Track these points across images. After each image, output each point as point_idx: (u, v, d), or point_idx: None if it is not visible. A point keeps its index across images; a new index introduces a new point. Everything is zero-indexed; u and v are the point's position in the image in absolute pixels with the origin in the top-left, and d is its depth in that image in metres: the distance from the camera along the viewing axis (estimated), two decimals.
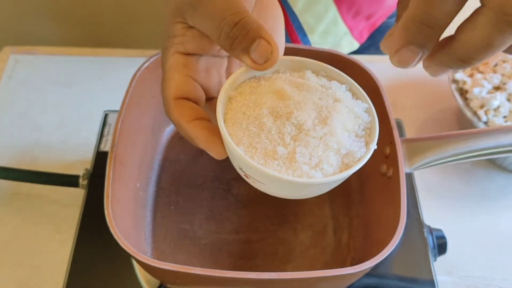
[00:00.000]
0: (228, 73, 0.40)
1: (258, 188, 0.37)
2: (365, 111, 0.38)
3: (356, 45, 0.80)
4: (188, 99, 0.37)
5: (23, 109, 0.73)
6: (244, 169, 0.35)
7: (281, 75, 0.37)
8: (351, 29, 0.76)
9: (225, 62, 0.40)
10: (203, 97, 0.39)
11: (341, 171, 0.34)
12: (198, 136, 0.36)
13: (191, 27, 0.36)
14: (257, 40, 0.34)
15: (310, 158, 0.34)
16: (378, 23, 0.81)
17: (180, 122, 0.36)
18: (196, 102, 0.38)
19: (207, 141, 0.36)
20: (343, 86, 0.38)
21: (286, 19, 0.73)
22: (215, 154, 0.36)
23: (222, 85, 0.37)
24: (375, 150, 0.36)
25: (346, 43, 0.79)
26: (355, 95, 0.38)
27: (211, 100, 0.40)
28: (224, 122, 0.35)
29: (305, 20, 0.73)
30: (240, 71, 0.36)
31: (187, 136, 0.37)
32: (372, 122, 0.38)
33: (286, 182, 0.33)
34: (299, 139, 0.34)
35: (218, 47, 0.38)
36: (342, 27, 0.75)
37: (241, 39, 0.34)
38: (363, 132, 0.37)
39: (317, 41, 0.77)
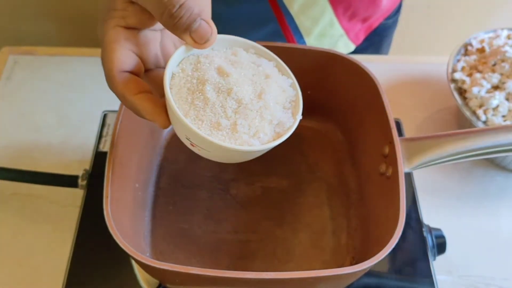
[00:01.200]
0: (162, 46, 0.43)
1: (203, 155, 0.41)
2: (290, 86, 0.43)
3: (352, 47, 0.80)
4: (130, 72, 0.39)
5: (22, 110, 0.73)
6: (191, 139, 0.39)
7: (217, 52, 0.41)
8: (347, 31, 0.76)
9: (159, 35, 0.42)
10: (143, 69, 0.41)
11: (274, 139, 0.40)
12: (145, 108, 0.39)
13: (132, 2, 0.38)
14: (199, 22, 0.37)
15: (249, 129, 0.39)
16: (375, 25, 0.81)
17: (125, 95, 0.38)
18: (137, 75, 0.40)
19: (153, 113, 0.39)
20: (271, 63, 0.43)
21: (282, 21, 0.73)
22: (160, 124, 0.39)
23: (158, 58, 0.41)
24: (300, 120, 0.42)
25: (342, 45, 0.79)
26: (280, 71, 0.44)
27: (148, 72, 0.42)
28: None
29: (301, 22, 0.73)
30: (181, 49, 0.39)
31: (132, 109, 0.39)
32: (296, 95, 0.43)
33: (230, 150, 0.38)
34: (239, 112, 0.39)
35: (156, 22, 0.40)
36: (338, 29, 0.76)
37: (185, 19, 0.37)
38: (290, 105, 0.43)
39: (313, 44, 0.77)
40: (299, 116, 0.42)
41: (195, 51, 0.40)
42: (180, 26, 0.37)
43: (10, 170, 0.62)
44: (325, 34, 0.76)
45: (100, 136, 0.66)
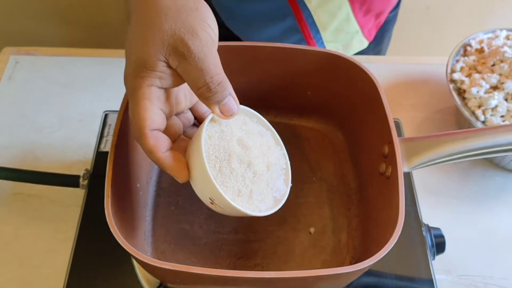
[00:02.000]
0: (175, 97, 0.46)
1: (216, 210, 0.46)
2: (283, 155, 0.50)
3: (365, 43, 0.81)
4: (158, 130, 0.42)
5: (23, 110, 0.73)
6: (216, 200, 0.44)
7: (233, 121, 0.46)
8: (362, 27, 0.77)
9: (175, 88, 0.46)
10: (165, 124, 0.44)
11: (274, 205, 0.47)
12: (170, 166, 0.43)
13: (171, 67, 0.41)
14: (228, 97, 0.43)
15: (260, 195, 0.46)
16: (383, 21, 0.81)
17: (155, 153, 0.42)
18: (162, 131, 0.43)
19: (177, 170, 0.43)
20: (268, 132, 0.50)
21: (299, 15, 0.74)
22: (181, 179, 0.44)
23: (173, 106, 0.46)
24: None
25: (356, 42, 0.80)
26: (275, 141, 0.50)
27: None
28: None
29: (318, 17, 0.74)
30: (209, 119, 0.44)
31: (157, 164, 0.43)
32: (286, 163, 0.50)
33: (244, 213, 0.44)
34: (254, 182, 0.45)
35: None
36: (354, 25, 0.76)
37: (219, 95, 0.42)
38: (282, 172, 0.49)
39: (329, 38, 0.77)
40: (290, 184, 0.49)
41: (216, 118, 0.45)
42: (213, 100, 0.42)
43: (11, 170, 0.62)
44: (341, 29, 0.76)
45: (101, 136, 0.66)
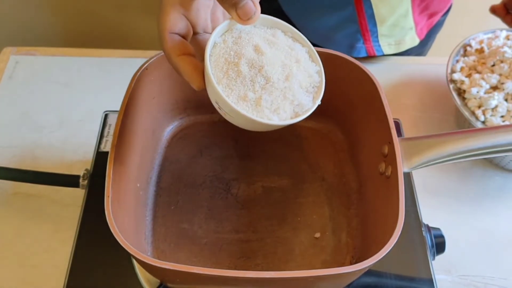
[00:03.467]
0: (212, 13, 0.47)
1: (227, 119, 0.45)
2: (317, 73, 0.47)
3: (417, 41, 0.81)
4: (179, 34, 0.43)
5: (23, 110, 0.73)
6: (220, 103, 0.43)
7: (258, 30, 0.45)
8: (416, 24, 0.78)
9: (211, 3, 0.46)
10: (191, 33, 0.45)
11: (291, 118, 0.44)
12: (185, 69, 0.43)
13: None
14: (245, 0, 0.41)
15: (271, 104, 0.43)
16: (435, 22, 0.82)
17: (171, 54, 0.43)
18: (185, 37, 0.44)
19: (191, 74, 0.43)
20: (304, 49, 0.47)
21: (360, 6, 0.74)
22: (195, 85, 0.43)
23: (207, 24, 0.46)
24: (318, 105, 0.45)
25: (409, 38, 0.80)
26: (311, 58, 0.47)
27: (195, 35, 0.46)
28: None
29: (379, 9, 0.74)
30: (227, 22, 0.44)
31: (174, 67, 0.43)
32: (320, 82, 0.47)
33: (251, 120, 0.42)
34: (266, 89, 0.43)
35: None
36: (410, 21, 0.77)
37: None
38: (312, 90, 0.46)
39: (384, 32, 0.77)
40: (319, 101, 0.45)
41: (239, 26, 0.44)
42: (229, 1, 0.41)
43: (11, 170, 0.62)
44: (398, 25, 0.77)
45: (101, 136, 0.66)
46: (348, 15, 0.75)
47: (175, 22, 0.43)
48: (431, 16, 0.80)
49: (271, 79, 0.43)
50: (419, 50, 0.87)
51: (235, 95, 0.42)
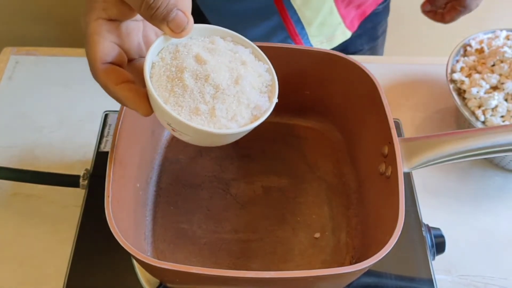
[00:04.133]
0: (144, 36, 0.44)
1: (184, 139, 0.42)
2: (266, 71, 0.45)
3: (348, 34, 0.81)
4: (112, 63, 0.41)
5: (23, 110, 0.73)
6: (172, 124, 0.40)
7: (195, 41, 0.43)
8: (344, 19, 0.78)
9: (141, 25, 0.44)
10: (126, 60, 0.42)
11: (251, 122, 0.42)
12: (126, 97, 0.40)
13: None
14: (175, 12, 0.39)
15: (227, 113, 0.41)
16: (368, 12, 0.82)
17: (108, 85, 0.40)
18: (120, 65, 0.41)
19: (135, 101, 0.41)
20: (247, 49, 0.45)
21: (284, 14, 0.74)
22: (143, 112, 0.41)
23: (140, 47, 0.43)
24: (277, 103, 0.44)
25: (340, 33, 0.80)
26: (257, 58, 0.45)
27: (131, 62, 0.44)
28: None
29: (303, 13, 0.75)
30: (160, 39, 0.41)
31: (115, 98, 0.41)
32: (272, 80, 0.45)
33: (209, 133, 0.40)
34: (217, 97, 0.41)
35: (137, 13, 0.41)
36: (336, 17, 0.77)
37: (161, 10, 0.38)
38: (266, 89, 0.44)
39: (313, 33, 0.78)
40: (275, 100, 0.44)
41: (174, 40, 0.42)
42: (157, 17, 0.39)
43: (11, 170, 0.62)
44: (325, 23, 0.77)
45: (101, 136, 0.66)
46: (275, 23, 0.76)
47: (106, 51, 0.40)
48: (358, 7, 0.80)
49: (220, 86, 0.41)
50: (370, 43, 0.88)
51: (186, 111, 0.40)
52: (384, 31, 0.92)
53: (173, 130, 0.42)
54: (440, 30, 1.08)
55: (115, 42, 0.41)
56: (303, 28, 0.77)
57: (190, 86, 0.40)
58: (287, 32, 0.77)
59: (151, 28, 0.44)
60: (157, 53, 0.42)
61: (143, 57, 0.44)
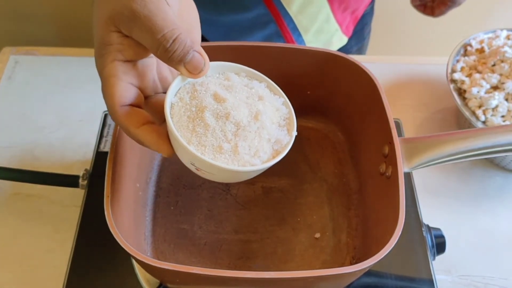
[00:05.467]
0: (158, 72, 0.44)
1: (208, 178, 0.43)
2: (283, 104, 0.45)
3: (345, 40, 0.82)
4: (131, 105, 0.40)
5: (23, 110, 0.73)
6: (196, 164, 0.41)
7: (211, 79, 0.43)
8: (340, 25, 0.78)
9: (155, 61, 0.43)
10: (143, 99, 0.42)
11: (273, 157, 0.42)
12: (148, 140, 0.40)
13: (127, 36, 0.39)
14: (192, 53, 0.39)
15: (249, 149, 0.41)
16: (360, 15, 0.83)
17: (130, 128, 0.40)
18: (138, 106, 0.41)
19: (157, 143, 0.40)
20: (262, 84, 0.46)
21: (280, 21, 0.75)
22: (165, 153, 0.41)
23: (155, 84, 0.43)
24: (296, 136, 0.44)
25: (336, 40, 0.81)
26: (272, 91, 0.46)
27: (147, 99, 0.43)
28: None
29: (299, 21, 0.75)
30: (177, 80, 0.42)
31: (137, 140, 0.41)
32: (289, 112, 0.45)
33: (234, 171, 0.40)
34: (239, 135, 0.41)
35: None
36: (333, 24, 0.78)
37: (179, 52, 0.39)
38: (284, 122, 0.44)
39: (311, 40, 0.78)
40: (295, 133, 0.44)
41: (191, 80, 0.42)
42: (174, 59, 0.39)
43: (11, 170, 0.62)
44: (322, 30, 0.78)
45: (100, 136, 0.66)
46: (272, 32, 0.76)
47: (124, 94, 0.39)
48: (353, 12, 0.81)
49: (240, 123, 0.41)
50: (358, 45, 0.89)
51: (209, 150, 0.40)
52: (370, 31, 0.93)
53: (197, 170, 0.42)
54: (441, 30, 1.08)
55: (132, 83, 0.40)
56: (300, 35, 0.77)
57: (212, 125, 0.40)
58: (284, 40, 0.77)
59: (165, 65, 0.44)
60: (175, 93, 0.42)
61: (158, 93, 0.44)
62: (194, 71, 0.40)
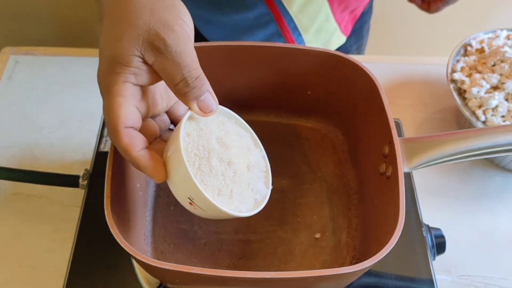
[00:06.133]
0: (152, 96, 0.45)
1: (196, 213, 0.45)
2: (262, 158, 0.48)
3: (343, 39, 0.82)
4: (133, 128, 0.41)
5: (23, 110, 0.73)
6: (195, 199, 0.42)
7: (212, 121, 0.45)
8: (339, 24, 0.78)
9: (153, 87, 0.45)
10: (141, 123, 0.43)
11: (254, 207, 0.46)
12: (147, 165, 0.41)
13: (146, 63, 0.40)
14: (206, 93, 0.42)
15: (240, 195, 0.44)
16: (358, 14, 0.83)
17: (129, 151, 0.40)
18: (137, 128, 0.42)
19: (153, 169, 0.42)
20: (247, 134, 0.48)
21: (281, 21, 0.75)
22: (158, 180, 0.42)
23: (154, 106, 0.44)
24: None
25: (335, 39, 0.81)
26: (254, 144, 0.49)
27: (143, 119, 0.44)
28: None
29: (300, 21, 0.75)
30: (187, 115, 0.44)
31: (133, 163, 0.41)
32: (266, 166, 0.49)
33: (226, 214, 0.43)
34: (235, 181, 0.44)
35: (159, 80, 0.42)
36: (332, 23, 0.78)
37: (197, 90, 0.41)
38: (262, 174, 0.48)
39: (310, 40, 0.78)
40: (270, 186, 0.48)
41: (196, 116, 0.44)
42: (190, 96, 0.41)
43: (11, 170, 0.62)
44: (321, 30, 0.78)
45: (100, 136, 0.66)
46: (272, 31, 0.76)
47: (129, 116, 0.40)
48: (352, 11, 0.81)
49: (237, 171, 0.44)
50: (357, 43, 0.89)
51: (210, 190, 0.42)
52: (368, 30, 0.93)
53: (190, 204, 0.43)
54: (441, 30, 1.08)
55: (136, 106, 0.41)
56: (299, 35, 0.77)
57: (216, 168, 0.43)
58: (284, 40, 0.77)
59: (158, 89, 0.45)
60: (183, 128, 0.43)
61: (154, 115, 0.46)
62: (206, 110, 0.42)
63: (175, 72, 0.40)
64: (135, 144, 0.40)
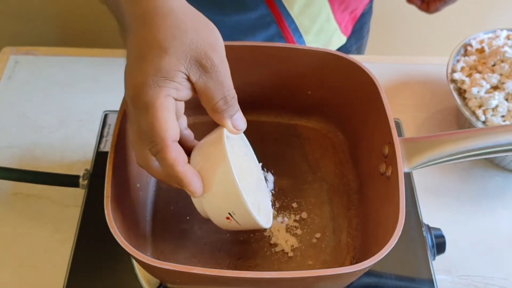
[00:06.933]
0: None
1: (226, 227, 0.46)
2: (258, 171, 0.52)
3: (344, 39, 0.82)
4: (176, 141, 0.42)
5: (23, 110, 0.73)
6: (237, 215, 0.44)
7: (235, 138, 0.48)
8: (339, 25, 0.78)
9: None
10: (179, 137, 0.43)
11: (268, 219, 0.50)
12: (190, 182, 0.42)
13: (189, 80, 0.42)
14: (238, 112, 0.44)
15: (264, 209, 0.48)
16: (358, 15, 0.84)
17: (175, 166, 0.41)
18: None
19: (196, 186, 0.43)
20: (250, 153, 0.51)
21: (282, 22, 0.75)
22: (197, 194, 0.43)
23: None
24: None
25: (336, 39, 0.81)
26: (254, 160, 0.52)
27: None
28: None
29: (301, 22, 0.75)
30: (225, 134, 0.45)
31: (175, 178, 0.42)
32: (262, 176, 0.53)
33: (260, 227, 0.45)
34: (261, 195, 0.47)
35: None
36: (333, 24, 0.78)
37: (232, 108, 0.43)
38: (264, 184, 0.53)
39: (311, 40, 0.78)
40: (271, 195, 0.55)
41: (227, 134, 0.46)
42: (226, 113, 0.43)
43: (11, 170, 0.62)
44: (322, 30, 0.78)
45: (101, 136, 0.66)
46: (273, 32, 0.76)
47: (175, 130, 0.41)
48: (352, 12, 0.81)
49: (261, 185, 0.48)
50: (358, 43, 0.90)
51: (250, 206, 0.44)
52: (368, 30, 0.93)
53: (227, 218, 0.44)
54: (441, 30, 1.08)
55: (176, 120, 0.42)
56: (300, 36, 0.77)
57: (251, 184, 0.46)
58: (285, 41, 0.77)
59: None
60: None
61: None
62: (238, 127, 0.45)
63: (216, 91, 0.42)
64: (181, 159, 0.41)
